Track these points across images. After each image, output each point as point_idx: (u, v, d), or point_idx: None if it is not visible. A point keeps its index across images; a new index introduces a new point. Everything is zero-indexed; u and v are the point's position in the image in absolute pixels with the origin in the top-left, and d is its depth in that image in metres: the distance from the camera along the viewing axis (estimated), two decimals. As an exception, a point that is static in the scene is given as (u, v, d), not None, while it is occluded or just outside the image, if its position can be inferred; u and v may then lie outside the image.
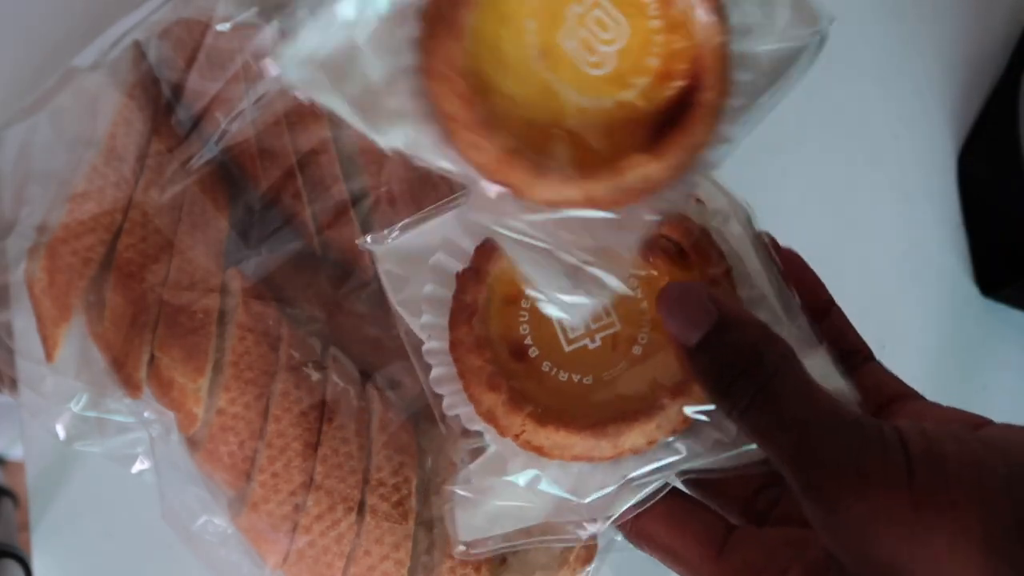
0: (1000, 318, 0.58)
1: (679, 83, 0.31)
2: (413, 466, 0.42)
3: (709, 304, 0.29)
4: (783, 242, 0.38)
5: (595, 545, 0.40)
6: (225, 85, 0.48)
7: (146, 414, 0.43)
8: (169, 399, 0.43)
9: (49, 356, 0.44)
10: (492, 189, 0.30)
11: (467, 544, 0.35)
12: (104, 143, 0.45)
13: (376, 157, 0.48)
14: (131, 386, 0.43)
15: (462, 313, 0.34)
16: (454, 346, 0.34)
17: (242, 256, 0.46)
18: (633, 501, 0.33)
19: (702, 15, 0.31)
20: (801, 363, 0.28)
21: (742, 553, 0.30)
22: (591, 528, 0.34)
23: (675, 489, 0.33)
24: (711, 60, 0.31)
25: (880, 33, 0.61)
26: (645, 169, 0.30)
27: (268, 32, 0.48)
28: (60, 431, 0.44)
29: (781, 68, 0.33)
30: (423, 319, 0.35)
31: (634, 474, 0.33)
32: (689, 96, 0.31)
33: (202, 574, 0.43)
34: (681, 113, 0.31)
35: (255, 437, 0.41)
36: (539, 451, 0.33)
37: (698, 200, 0.36)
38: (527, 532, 0.35)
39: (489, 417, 0.33)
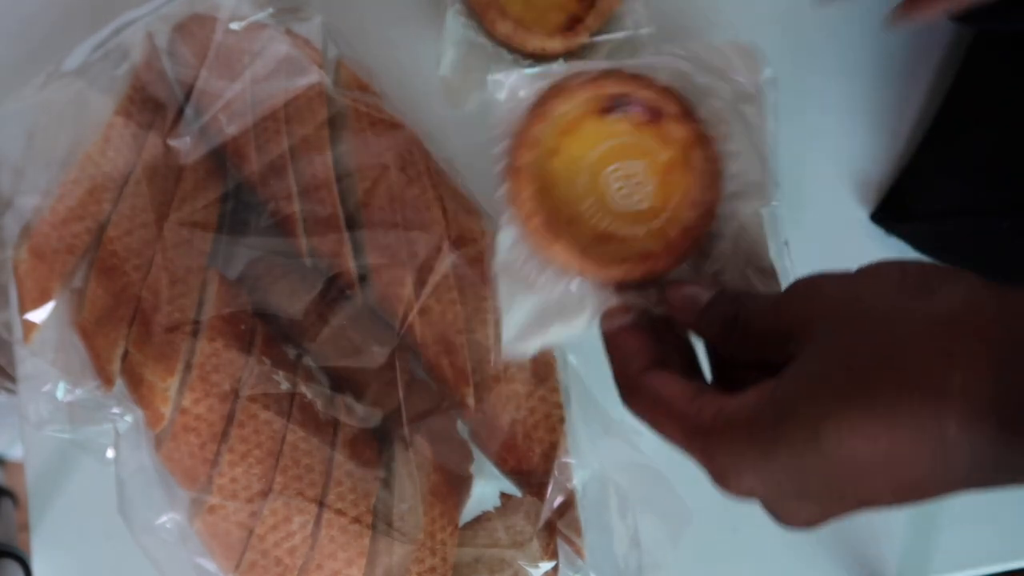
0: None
1: None
2: (374, 483, 0.42)
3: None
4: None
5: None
6: (231, 83, 0.48)
7: (115, 409, 0.43)
8: (139, 395, 0.42)
9: (26, 337, 0.44)
10: None
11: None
12: (102, 132, 0.45)
13: (372, 163, 0.47)
14: (104, 378, 0.43)
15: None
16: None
17: (229, 256, 0.46)
18: None
19: None
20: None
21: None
22: None
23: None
24: None
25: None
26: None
27: (276, 33, 0.48)
28: (31, 414, 0.44)
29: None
30: None
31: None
32: None
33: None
34: None
35: (216, 440, 0.41)
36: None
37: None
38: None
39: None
